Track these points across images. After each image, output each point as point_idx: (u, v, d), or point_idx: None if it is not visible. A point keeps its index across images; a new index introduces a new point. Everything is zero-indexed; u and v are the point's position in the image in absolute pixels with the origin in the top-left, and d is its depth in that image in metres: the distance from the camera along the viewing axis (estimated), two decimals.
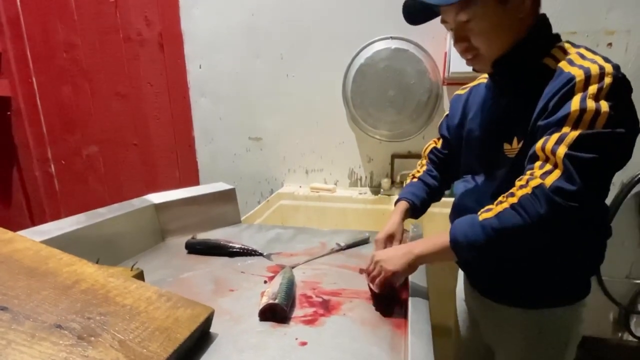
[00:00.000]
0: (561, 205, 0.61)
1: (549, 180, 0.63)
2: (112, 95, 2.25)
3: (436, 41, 1.77)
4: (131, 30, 2.11)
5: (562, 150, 0.64)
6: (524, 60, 0.78)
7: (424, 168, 1.16)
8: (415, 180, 1.14)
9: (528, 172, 0.69)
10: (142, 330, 0.63)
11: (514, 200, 0.67)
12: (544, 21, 0.79)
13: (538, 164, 0.67)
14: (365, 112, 1.86)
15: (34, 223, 2.47)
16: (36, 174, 2.47)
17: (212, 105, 2.15)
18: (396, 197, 1.82)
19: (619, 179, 1.79)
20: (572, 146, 0.63)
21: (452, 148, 1.07)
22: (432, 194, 1.12)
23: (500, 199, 0.72)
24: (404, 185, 1.18)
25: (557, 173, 0.63)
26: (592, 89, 0.65)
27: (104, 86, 2.25)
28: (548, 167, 0.65)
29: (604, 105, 0.63)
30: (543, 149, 0.67)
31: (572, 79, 0.67)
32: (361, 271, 1.03)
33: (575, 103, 0.65)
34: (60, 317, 0.62)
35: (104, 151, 2.37)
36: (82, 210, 1.11)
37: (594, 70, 0.65)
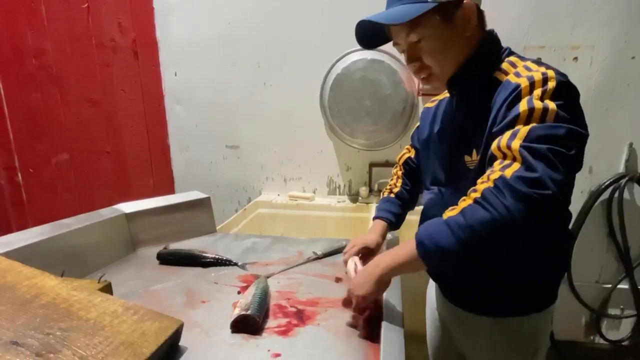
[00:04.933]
0: (526, 194, 0.59)
1: (509, 172, 0.62)
2: (83, 102, 2.18)
3: None
4: (104, 37, 2.07)
5: (516, 143, 0.64)
6: (475, 75, 0.81)
7: (400, 181, 1.19)
8: (392, 195, 1.18)
9: (488, 170, 0.68)
10: (106, 345, 0.61)
11: (477, 195, 0.65)
12: (491, 37, 0.82)
13: (497, 161, 0.67)
14: (342, 121, 1.87)
15: None
16: (1, 182, 2.37)
17: (188, 113, 2.12)
18: (374, 205, 1.87)
19: (587, 187, 1.85)
20: (526, 138, 0.64)
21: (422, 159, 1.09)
22: (407, 207, 1.18)
23: (463, 197, 0.69)
24: (381, 196, 1.21)
25: (516, 165, 0.63)
26: (537, 92, 0.67)
27: (75, 93, 2.18)
28: (507, 161, 0.65)
29: (551, 104, 0.65)
30: (499, 147, 0.67)
31: (517, 86, 0.70)
32: (337, 280, 1.04)
33: (522, 105, 0.67)
34: (17, 333, 0.59)
35: (74, 159, 2.29)
36: (51, 220, 1.07)
37: (537, 76, 0.69)
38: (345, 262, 1.01)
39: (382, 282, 0.78)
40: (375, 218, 1.15)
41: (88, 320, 0.65)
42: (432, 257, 0.69)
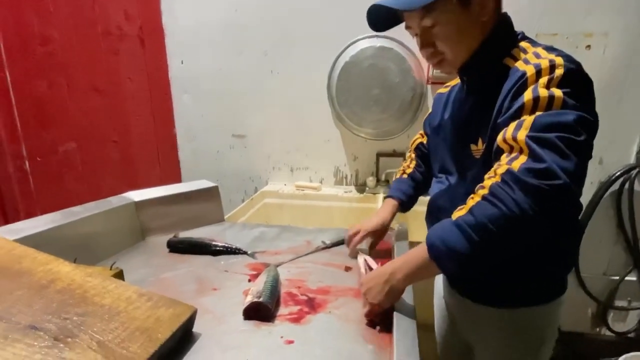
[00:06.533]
0: (535, 186, 0.57)
1: (517, 164, 0.60)
2: (90, 90, 2.18)
3: None
4: (110, 24, 2.05)
5: (522, 133, 0.62)
6: (487, 61, 0.78)
7: (414, 163, 1.19)
8: (405, 176, 1.18)
9: (495, 165, 0.66)
10: (122, 330, 0.61)
11: (485, 191, 0.63)
12: (505, 21, 0.80)
13: (504, 154, 0.65)
14: (350, 110, 1.85)
15: (7, 222, 2.38)
16: (10, 171, 2.38)
17: (194, 102, 2.11)
18: (382, 195, 1.86)
19: (597, 178, 1.84)
20: (532, 128, 0.62)
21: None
22: (419, 189, 1.17)
23: (471, 195, 0.67)
24: (394, 178, 1.22)
25: (523, 157, 0.61)
26: (543, 80, 0.65)
27: (81, 81, 2.17)
28: (514, 154, 0.63)
29: (557, 92, 0.63)
30: (504, 139, 0.65)
31: (523, 74, 0.67)
32: (346, 269, 1.04)
33: (527, 94, 0.65)
34: (35, 318, 0.59)
35: (81, 148, 2.30)
36: (59, 209, 1.07)
37: (544, 64, 0.66)
38: (350, 253, 1.02)
39: (396, 292, 0.76)
40: (386, 197, 1.16)
41: (103, 306, 0.65)
42: (444, 259, 0.67)
